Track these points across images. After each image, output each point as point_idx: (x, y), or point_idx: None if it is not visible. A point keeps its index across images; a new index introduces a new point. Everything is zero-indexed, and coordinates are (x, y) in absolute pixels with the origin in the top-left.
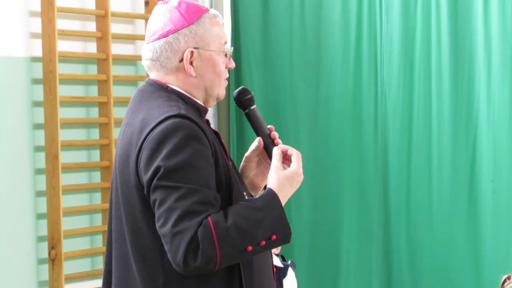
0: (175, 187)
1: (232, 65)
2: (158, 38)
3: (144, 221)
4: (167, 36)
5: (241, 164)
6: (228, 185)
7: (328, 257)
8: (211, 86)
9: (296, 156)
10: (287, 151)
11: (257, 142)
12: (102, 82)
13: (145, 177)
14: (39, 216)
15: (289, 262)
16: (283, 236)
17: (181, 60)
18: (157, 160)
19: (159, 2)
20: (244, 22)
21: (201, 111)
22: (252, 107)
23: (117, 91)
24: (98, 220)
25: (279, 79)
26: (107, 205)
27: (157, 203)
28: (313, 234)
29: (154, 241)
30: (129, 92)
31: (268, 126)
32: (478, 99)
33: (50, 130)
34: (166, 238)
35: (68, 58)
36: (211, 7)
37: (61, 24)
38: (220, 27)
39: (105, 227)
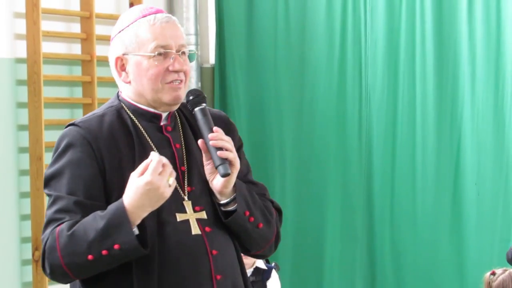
0: (48, 195)
1: (175, 67)
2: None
3: None
4: (110, 46)
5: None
6: (118, 194)
7: (312, 259)
8: (145, 90)
9: (150, 165)
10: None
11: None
12: (87, 83)
13: None
14: (23, 217)
15: (272, 264)
16: (128, 246)
17: None
18: (46, 169)
19: None
20: (229, 24)
21: (149, 116)
22: (196, 109)
23: (101, 93)
24: None
25: (263, 81)
26: None
27: None
28: (297, 236)
29: None
30: (113, 93)
31: (213, 128)
32: (462, 102)
33: (34, 131)
34: None
35: (53, 59)
36: (196, 9)
37: (46, 25)
38: (159, 29)
39: None
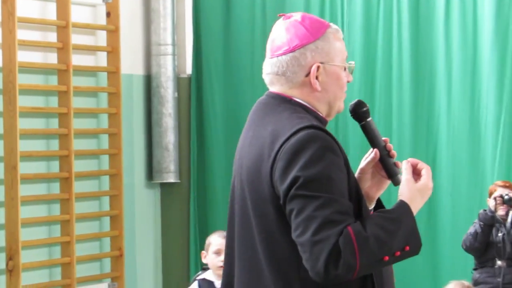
0: (314, 196)
1: (351, 78)
2: (284, 53)
3: (279, 231)
4: (294, 51)
5: (356, 176)
6: (357, 196)
7: None
8: (335, 99)
9: (426, 170)
10: (417, 164)
11: (373, 154)
12: (62, 93)
13: (282, 187)
14: None
15: None
16: (416, 247)
17: (307, 75)
18: (294, 170)
19: (281, 17)
20: (206, 34)
21: (322, 123)
22: (368, 119)
23: (77, 102)
24: (57, 231)
25: (240, 91)
26: (66, 216)
27: (294, 212)
28: None
29: (289, 251)
30: (89, 103)
31: (383, 138)
32: (438, 114)
33: (9, 140)
34: (305, 246)
35: (29, 68)
36: (173, 20)
37: (22, 34)
38: (342, 42)
39: (64, 238)
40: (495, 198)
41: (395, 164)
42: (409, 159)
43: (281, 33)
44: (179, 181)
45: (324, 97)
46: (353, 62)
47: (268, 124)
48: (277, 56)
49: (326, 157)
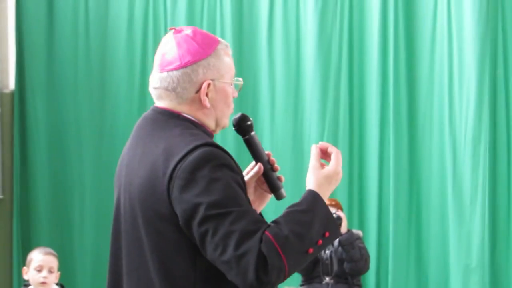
0: (225, 213)
1: (236, 94)
2: (176, 69)
3: (175, 249)
4: (186, 67)
5: None
6: None
7: None
8: (222, 116)
9: (335, 154)
10: (327, 148)
11: (257, 168)
12: None
13: (182, 207)
14: None
15: None
16: (335, 230)
17: (198, 91)
18: (197, 190)
19: (171, 31)
20: (29, 50)
21: (210, 137)
22: (251, 133)
23: None
24: None
25: (63, 107)
26: None
27: (210, 233)
28: (96, 263)
29: (185, 268)
30: None
31: (266, 152)
32: (261, 130)
33: None
34: (230, 263)
35: None
36: None
37: None
38: (230, 57)
39: None
40: None
41: (278, 178)
42: (320, 142)
43: (172, 48)
44: (1, 197)
45: (212, 113)
46: (241, 79)
47: (159, 141)
48: (168, 71)
49: (225, 174)
